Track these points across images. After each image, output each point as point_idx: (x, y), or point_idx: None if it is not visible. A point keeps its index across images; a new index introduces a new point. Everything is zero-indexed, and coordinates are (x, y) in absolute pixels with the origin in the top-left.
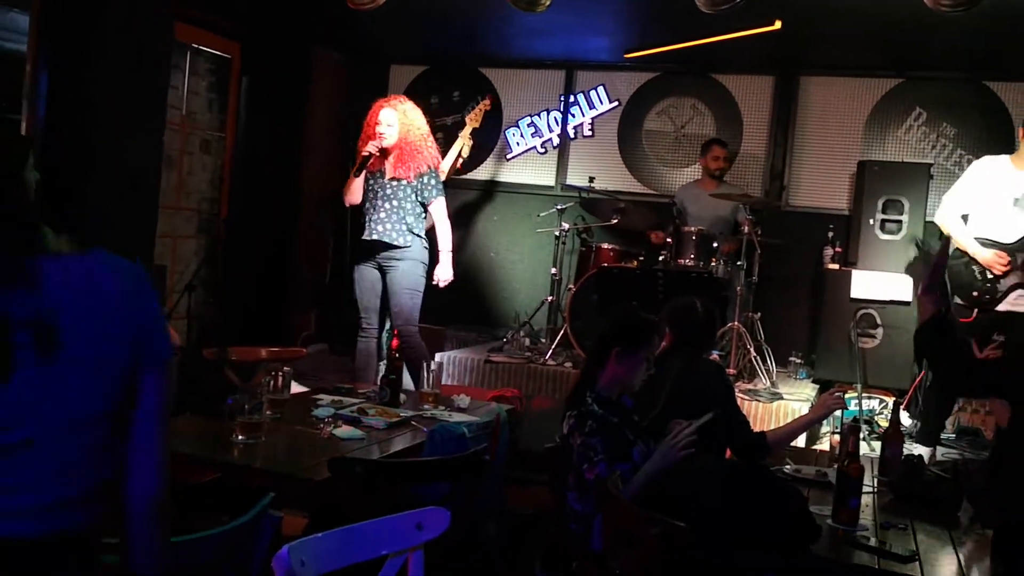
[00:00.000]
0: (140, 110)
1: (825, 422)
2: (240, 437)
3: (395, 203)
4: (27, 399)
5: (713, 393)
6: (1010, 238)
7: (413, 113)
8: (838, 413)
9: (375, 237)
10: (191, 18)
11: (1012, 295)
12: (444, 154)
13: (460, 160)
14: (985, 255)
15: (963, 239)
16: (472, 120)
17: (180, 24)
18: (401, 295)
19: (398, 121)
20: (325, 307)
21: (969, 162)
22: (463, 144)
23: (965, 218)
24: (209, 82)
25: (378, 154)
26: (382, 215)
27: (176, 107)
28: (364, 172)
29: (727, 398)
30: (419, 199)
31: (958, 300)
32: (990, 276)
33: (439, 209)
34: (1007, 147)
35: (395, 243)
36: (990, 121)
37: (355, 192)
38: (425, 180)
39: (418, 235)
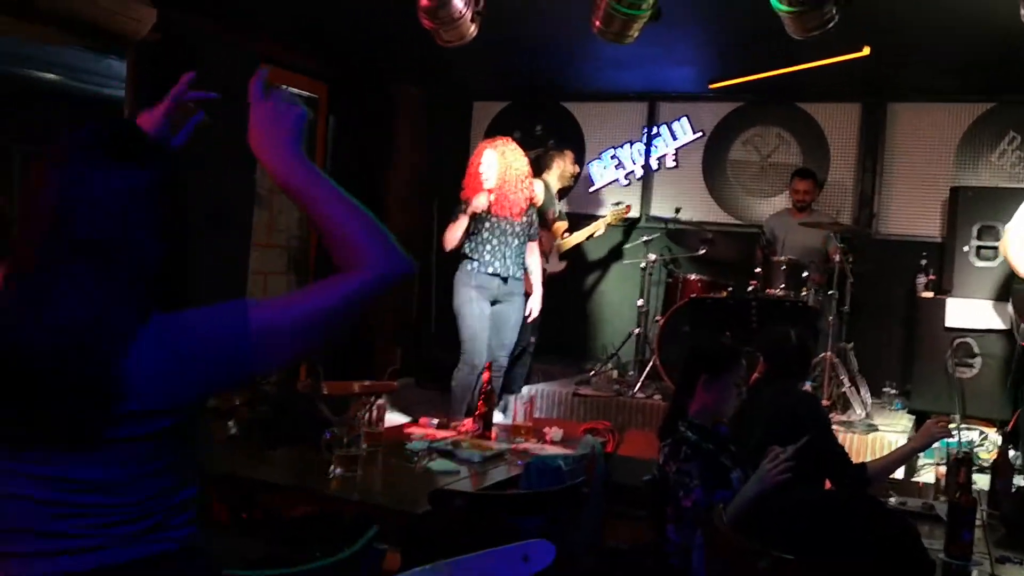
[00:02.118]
0: (232, 151)
1: (926, 453)
2: (338, 470)
3: (509, 238)
4: None
5: (809, 423)
6: None
7: (512, 155)
8: (938, 444)
9: (495, 271)
10: (280, 60)
11: None
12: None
13: (588, 238)
14: None
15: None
16: (612, 216)
17: (268, 66)
18: (516, 328)
19: (497, 162)
20: (411, 341)
21: None
22: (595, 230)
23: None
24: None
25: (490, 198)
26: (502, 250)
27: None
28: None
29: (824, 427)
30: (526, 236)
31: None
32: None
33: (535, 247)
34: None
35: (516, 276)
36: None
37: (454, 238)
38: (531, 217)
39: (525, 270)
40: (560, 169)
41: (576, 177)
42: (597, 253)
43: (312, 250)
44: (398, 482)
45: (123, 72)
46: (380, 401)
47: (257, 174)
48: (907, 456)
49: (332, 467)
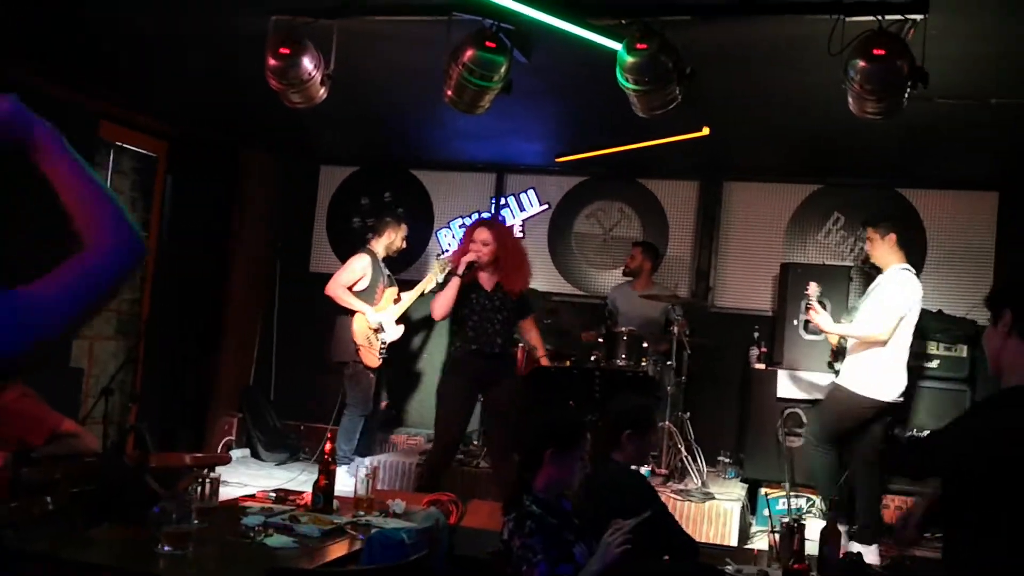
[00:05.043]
0: (61, 210)
1: (758, 520)
2: (166, 548)
3: (504, 315)
4: None
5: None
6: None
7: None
8: (766, 512)
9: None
10: (116, 117)
11: None
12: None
13: (421, 296)
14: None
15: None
16: (439, 267)
17: (104, 122)
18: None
19: (494, 240)
20: (248, 412)
21: None
22: (425, 287)
23: None
24: (133, 180)
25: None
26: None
27: None
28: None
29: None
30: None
31: None
32: None
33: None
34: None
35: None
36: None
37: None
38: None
39: None
40: (390, 240)
41: (400, 252)
42: (443, 321)
43: (143, 314)
44: (232, 560)
45: None
46: (213, 474)
47: None
48: None
49: (160, 545)
